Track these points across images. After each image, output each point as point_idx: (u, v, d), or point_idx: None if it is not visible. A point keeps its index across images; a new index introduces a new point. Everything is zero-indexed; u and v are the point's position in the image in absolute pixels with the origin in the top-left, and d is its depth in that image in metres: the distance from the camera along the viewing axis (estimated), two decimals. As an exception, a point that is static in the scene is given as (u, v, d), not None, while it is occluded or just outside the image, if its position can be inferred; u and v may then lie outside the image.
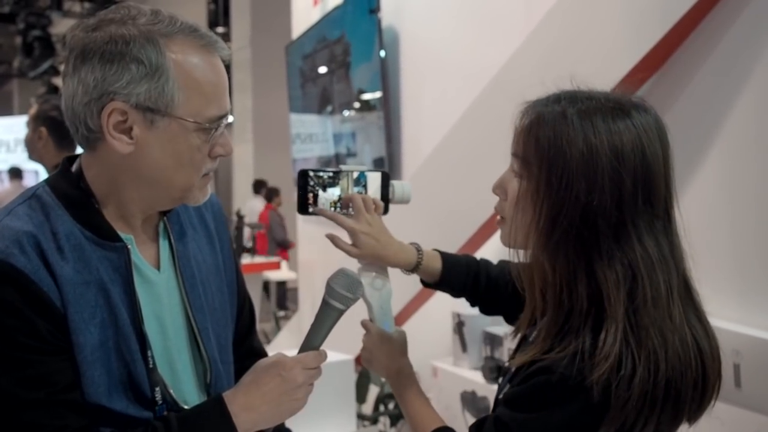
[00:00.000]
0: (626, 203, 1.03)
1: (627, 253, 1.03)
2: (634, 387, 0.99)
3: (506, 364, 1.22)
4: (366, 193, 1.36)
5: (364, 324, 1.37)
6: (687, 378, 1.03)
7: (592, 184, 1.03)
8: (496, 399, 1.19)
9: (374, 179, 1.36)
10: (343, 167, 1.35)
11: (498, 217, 1.18)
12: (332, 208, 1.34)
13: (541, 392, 1.03)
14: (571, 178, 1.03)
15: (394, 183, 1.38)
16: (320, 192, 1.33)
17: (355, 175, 1.35)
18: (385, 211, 1.38)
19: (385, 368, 1.34)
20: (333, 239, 1.37)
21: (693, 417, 1.09)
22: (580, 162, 1.03)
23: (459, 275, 1.42)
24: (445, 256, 1.43)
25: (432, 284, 1.44)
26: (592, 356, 1.00)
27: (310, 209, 1.33)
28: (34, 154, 3.06)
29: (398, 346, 1.34)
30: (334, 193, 1.34)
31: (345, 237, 1.37)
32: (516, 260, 1.16)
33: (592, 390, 0.98)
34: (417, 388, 1.30)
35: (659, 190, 1.06)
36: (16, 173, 7.50)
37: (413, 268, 1.39)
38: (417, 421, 1.25)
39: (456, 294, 1.46)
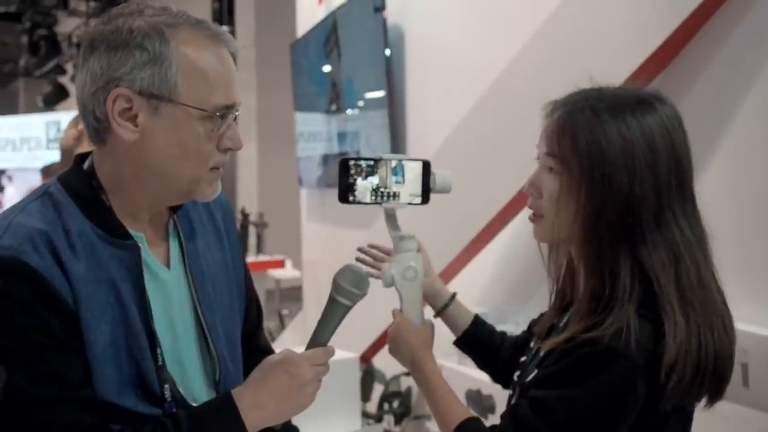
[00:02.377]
0: (663, 190, 1.10)
1: (667, 237, 1.10)
2: (690, 362, 1.05)
3: (533, 348, 1.25)
4: (404, 181, 1.39)
5: (393, 313, 1.39)
6: (730, 352, 1.10)
7: (632, 175, 1.09)
8: (521, 384, 1.21)
9: (412, 168, 1.39)
10: (383, 155, 1.38)
11: (531, 214, 1.22)
12: (372, 197, 1.36)
13: (585, 363, 1.06)
14: (612, 171, 1.10)
15: (436, 172, 1.40)
16: (359, 180, 1.36)
17: (393, 164, 1.38)
18: (426, 200, 1.39)
19: (409, 359, 1.35)
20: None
21: (714, 395, 1.13)
22: (619, 156, 1.10)
23: (484, 333, 1.49)
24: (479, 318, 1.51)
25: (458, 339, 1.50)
26: (643, 333, 1.05)
27: (350, 198, 1.36)
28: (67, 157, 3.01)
29: (423, 338, 1.36)
30: (372, 181, 1.37)
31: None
32: (542, 254, 1.22)
33: (637, 359, 1.04)
34: (441, 380, 1.31)
35: (688, 175, 1.14)
36: (48, 171, 7.52)
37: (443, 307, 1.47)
38: (443, 412, 1.26)
39: (478, 355, 1.51)
